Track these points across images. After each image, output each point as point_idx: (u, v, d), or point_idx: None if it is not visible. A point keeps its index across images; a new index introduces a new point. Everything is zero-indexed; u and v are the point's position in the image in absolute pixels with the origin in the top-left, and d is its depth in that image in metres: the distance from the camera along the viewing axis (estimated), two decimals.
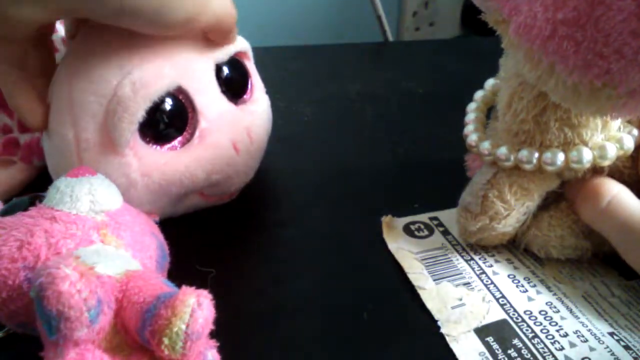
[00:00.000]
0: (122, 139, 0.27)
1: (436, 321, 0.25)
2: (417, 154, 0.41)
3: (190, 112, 0.29)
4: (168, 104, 0.28)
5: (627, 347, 0.24)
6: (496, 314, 0.26)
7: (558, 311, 0.26)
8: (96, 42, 0.28)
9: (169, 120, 0.28)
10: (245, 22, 0.30)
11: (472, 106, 0.32)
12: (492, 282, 0.28)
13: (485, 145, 0.29)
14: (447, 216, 0.33)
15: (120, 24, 0.26)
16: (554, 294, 0.27)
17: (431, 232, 0.32)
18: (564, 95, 0.23)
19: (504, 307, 0.26)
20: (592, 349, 0.24)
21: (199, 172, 0.29)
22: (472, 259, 0.29)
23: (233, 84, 0.32)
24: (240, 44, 0.33)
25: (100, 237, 0.21)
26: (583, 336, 0.24)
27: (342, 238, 0.32)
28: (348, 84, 0.54)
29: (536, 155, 0.27)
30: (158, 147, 0.28)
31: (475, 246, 0.30)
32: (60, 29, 0.35)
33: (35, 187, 0.31)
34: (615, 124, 0.27)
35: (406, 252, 0.30)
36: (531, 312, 0.26)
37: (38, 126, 0.29)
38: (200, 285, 0.18)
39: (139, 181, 0.28)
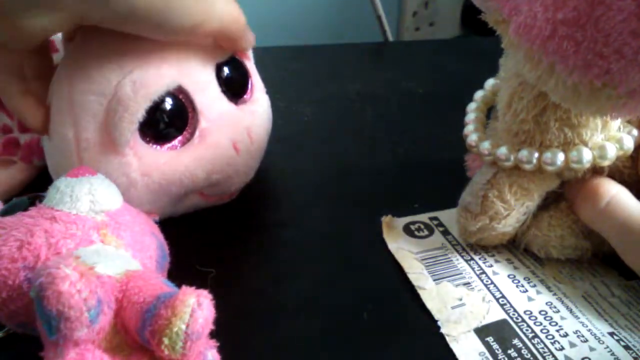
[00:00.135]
0: (122, 138, 0.27)
1: (436, 321, 0.25)
2: (417, 154, 0.41)
3: (190, 112, 0.29)
4: (168, 103, 0.28)
5: (627, 347, 0.24)
6: (496, 314, 0.26)
7: (558, 311, 0.26)
8: (96, 42, 0.28)
9: (169, 120, 0.28)
10: (244, 29, 0.30)
11: (472, 106, 0.32)
12: (492, 282, 0.28)
13: (485, 145, 0.29)
14: (447, 216, 0.33)
15: (127, 30, 0.26)
16: (554, 294, 0.27)
17: (431, 232, 0.32)
18: (564, 95, 0.23)
19: (504, 307, 0.26)
20: (592, 349, 0.24)
21: (199, 171, 0.29)
22: (472, 259, 0.29)
23: (233, 84, 0.32)
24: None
25: (100, 237, 0.21)
26: (583, 336, 0.25)
27: (342, 238, 0.32)
28: (348, 84, 0.54)
29: (536, 155, 0.27)
30: (158, 147, 0.28)
31: (475, 246, 0.30)
32: None
33: (35, 187, 0.31)
34: (615, 124, 0.27)
35: (406, 252, 0.30)
36: (531, 312, 0.26)
37: (39, 128, 0.29)
38: (200, 285, 0.18)
39: (139, 181, 0.28)
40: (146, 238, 0.23)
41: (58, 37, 0.35)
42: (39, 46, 0.27)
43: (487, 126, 0.31)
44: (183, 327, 0.17)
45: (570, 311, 0.26)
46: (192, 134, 0.29)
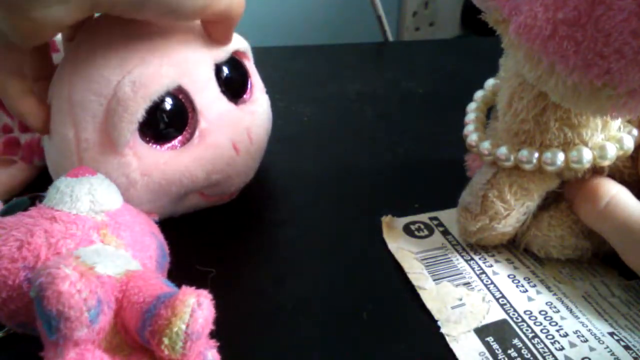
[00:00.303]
0: (122, 138, 0.27)
1: (436, 321, 0.25)
2: (417, 154, 0.41)
3: (190, 112, 0.29)
4: (168, 103, 0.28)
5: (627, 347, 0.24)
6: (496, 314, 0.26)
7: (558, 311, 0.26)
8: (96, 42, 0.28)
9: (169, 120, 0.28)
10: (245, 22, 0.30)
11: (472, 106, 0.32)
12: (492, 282, 0.28)
13: (485, 145, 0.29)
14: (447, 216, 0.33)
15: (137, 16, 0.26)
16: (554, 294, 0.27)
17: (431, 232, 0.32)
18: (564, 95, 0.23)
19: (504, 307, 0.26)
20: (592, 349, 0.24)
21: (199, 171, 0.29)
22: (472, 259, 0.29)
23: (233, 84, 0.32)
24: (240, 44, 0.33)
25: (100, 237, 0.21)
26: (583, 336, 0.24)
27: (342, 238, 0.32)
28: (348, 84, 0.54)
29: (536, 155, 0.27)
30: (158, 147, 0.28)
31: (475, 246, 0.30)
32: None
33: (35, 187, 0.31)
34: (615, 124, 0.27)
35: (406, 252, 0.30)
36: (531, 312, 0.26)
37: (40, 128, 0.29)
38: (200, 285, 0.18)
39: (138, 180, 0.28)
40: (146, 238, 0.23)
41: (58, 37, 0.35)
42: (39, 46, 0.27)
43: (487, 126, 0.31)
44: (183, 327, 0.17)
45: (570, 311, 0.26)
46: (191, 134, 0.29)
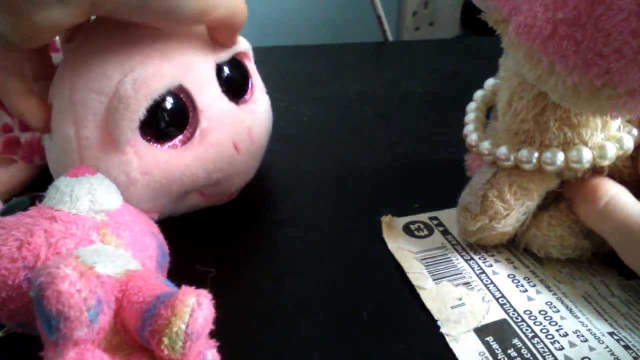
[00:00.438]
0: (123, 137, 0.27)
1: (436, 321, 0.25)
2: (417, 154, 0.41)
3: (191, 111, 0.29)
4: (169, 102, 0.28)
5: (627, 347, 0.24)
6: (496, 314, 0.26)
7: (558, 311, 0.26)
8: (97, 42, 0.28)
9: (170, 119, 0.28)
10: (246, 22, 0.30)
11: (472, 106, 0.32)
12: (492, 282, 0.28)
13: (485, 145, 0.29)
14: (447, 216, 0.33)
15: (137, 19, 0.26)
16: (554, 294, 0.27)
17: (431, 232, 0.32)
18: (564, 95, 0.23)
19: (504, 307, 0.26)
20: (592, 349, 0.24)
21: (200, 171, 0.29)
22: (472, 259, 0.29)
23: (234, 84, 0.32)
24: (241, 45, 0.33)
25: (100, 237, 0.21)
26: (583, 336, 0.24)
27: (342, 238, 0.32)
28: (348, 84, 0.54)
29: (536, 155, 0.27)
30: (159, 146, 0.28)
31: (475, 246, 0.30)
32: None
33: (36, 187, 0.31)
34: (615, 124, 0.27)
35: (406, 252, 0.30)
36: (531, 312, 0.26)
37: (41, 128, 0.29)
38: (200, 285, 0.18)
39: (139, 179, 0.28)
40: (146, 238, 0.23)
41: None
42: (40, 46, 0.27)
43: (487, 126, 0.31)
44: (183, 327, 0.17)
45: (570, 311, 0.26)
46: (193, 134, 0.29)
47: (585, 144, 0.26)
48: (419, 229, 0.32)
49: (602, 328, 0.25)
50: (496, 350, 0.24)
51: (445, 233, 0.32)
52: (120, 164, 0.27)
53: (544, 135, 0.27)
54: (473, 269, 0.29)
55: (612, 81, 0.20)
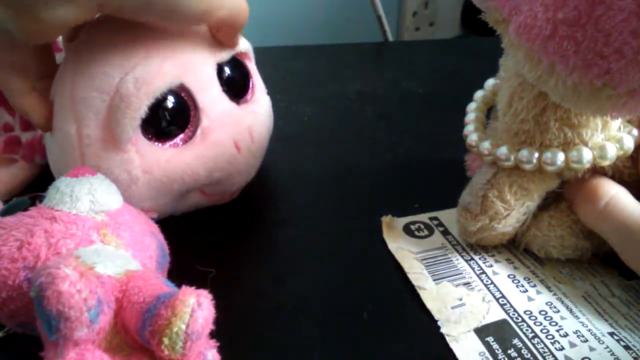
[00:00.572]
0: (124, 135, 0.27)
1: (436, 321, 0.25)
2: (417, 154, 0.41)
3: (192, 110, 0.29)
4: (170, 101, 0.28)
5: (627, 347, 0.24)
6: (496, 314, 0.26)
7: (558, 311, 0.26)
8: (98, 41, 0.28)
9: (171, 118, 0.28)
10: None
11: (472, 106, 0.32)
12: (492, 282, 0.28)
13: (485, 145, 0.29)
14: (447, 216, 0.33)
15: (142, 18, 0.26)
16: (554, 294, 0.27)
17: (431, 232, 0.32)
18: (564, 95, 0.23)
19: (504, 307, 0.26)
20: (592, 349, 0.24)
21: (201, 169, 0.29)
22: (472, 259, 0.29)
23: (234, 84, 0.32)
24: (242, 45, 0.33)
25: (100, 237, 0.21)
26: (583, 336, 0.24)
27: (342, 238, 0.32)
28: (348, 84, 0.54)
29: (536, 155, 0.27)
30: (160, 144, 0.28)
31: (475, 246, 0.30)
32: None
33: (36, 186, 0.31)
34: (615, 124, 0.27)
35: (406, 252, 0.30)
36: (531, 312, 0.26)
37: (43, 125, 0.29)
38: (200, 285, 0.18)
39: (140, 177, 0.28)
40: (146, 238, 0.23)
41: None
42: (43, 44, 0.27)
43: (487, 126, 0.31)
44: (183, 327, 0.17)
45: (570, 311, 0.26)
46: (194, 132, 0.29)
47: (585, 144, 0.26)
48: (419, 229, 0.32)
49: (602, 328, 0.25)
50: (496, 350, 0.24)
51: (445, 233, 0.32)
52: (122, 162, 0.27)
53: (544, 135, 0.27)
54: (473, 269, 0.29)
55: (612, 81, 0.20)
